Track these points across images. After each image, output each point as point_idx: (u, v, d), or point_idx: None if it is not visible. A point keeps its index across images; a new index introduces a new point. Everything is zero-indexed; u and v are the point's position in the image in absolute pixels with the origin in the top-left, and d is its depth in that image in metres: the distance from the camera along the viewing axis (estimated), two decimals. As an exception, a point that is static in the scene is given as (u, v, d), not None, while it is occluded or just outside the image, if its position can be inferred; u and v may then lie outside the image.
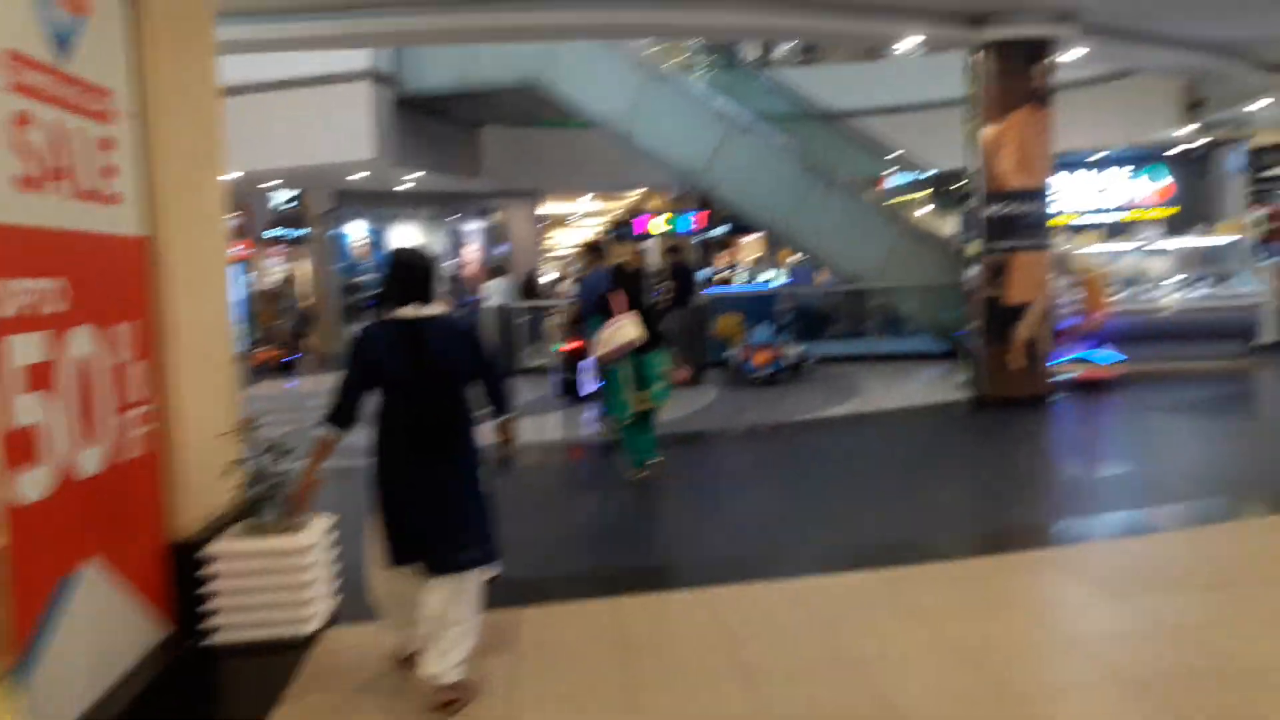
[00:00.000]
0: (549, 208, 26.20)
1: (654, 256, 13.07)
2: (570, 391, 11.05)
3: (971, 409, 9.54)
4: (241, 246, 25.96)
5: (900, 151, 15.63)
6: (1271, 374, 9.85)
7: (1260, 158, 14.85)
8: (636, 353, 6.63)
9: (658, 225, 11.84)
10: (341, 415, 3.56)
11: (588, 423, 9.65)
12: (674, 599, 4.59)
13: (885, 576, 4.69)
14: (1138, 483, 6.62)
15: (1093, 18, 9.34)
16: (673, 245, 12.26)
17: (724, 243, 24.27)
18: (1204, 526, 5.36)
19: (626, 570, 5.17)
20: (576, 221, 34.20)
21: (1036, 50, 9.20)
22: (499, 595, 4.03)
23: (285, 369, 17.19)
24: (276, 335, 17.91)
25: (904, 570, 4.76)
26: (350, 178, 17.00)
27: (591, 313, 7.07)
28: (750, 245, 32.19)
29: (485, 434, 3.74)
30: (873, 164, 16.16)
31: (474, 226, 22.32)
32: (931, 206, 15.97)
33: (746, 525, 5.97)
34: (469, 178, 18.53)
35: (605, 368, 6.87)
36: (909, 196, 16.60)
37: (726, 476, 7.53)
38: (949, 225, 15.20)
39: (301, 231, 22.97)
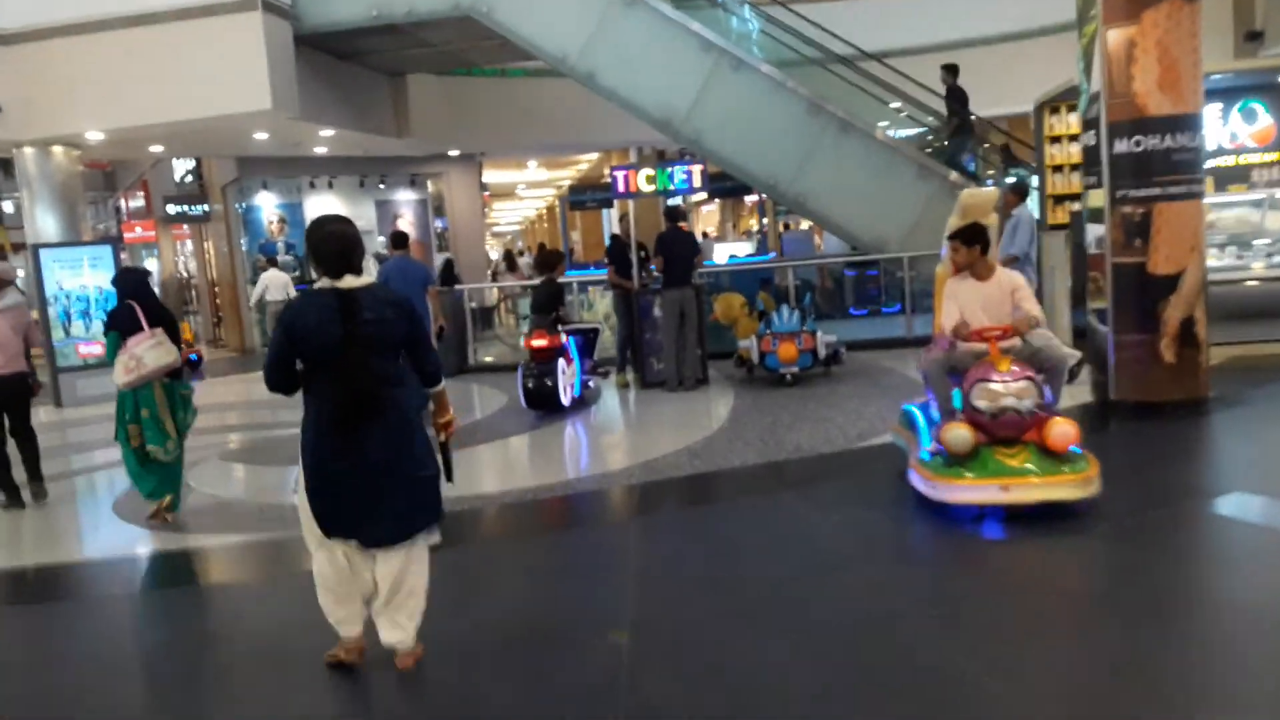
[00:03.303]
0: (488, 176, 23.22)
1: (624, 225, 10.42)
2: (543, 401, 8.44)
3: (1103, 418, 6.90)
4: (139, 229, 22.75)
5: (897, 104, 13.18)
6: None
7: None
8: (169, 376, 5.97)
9: (644, 183, 9.13)
10: (282, 387, 3.49)
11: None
12: None
13: None
14: None
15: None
16: (672, 209, 9.55)
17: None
18: None
19: None
20: (522, 193, 31.22)
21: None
22: None
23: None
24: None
25: None
26: (256, 135, 13.88)
27: (110, 327, 6.00)
28: (708, 215, 29.64)
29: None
30: (875, 114, 13.63)
31: (407, 197, 19.29)
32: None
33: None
34: (395, 138, 15.51)
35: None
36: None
37: (789, 573, 4.70)
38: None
39: (202, 209, 19.84)
